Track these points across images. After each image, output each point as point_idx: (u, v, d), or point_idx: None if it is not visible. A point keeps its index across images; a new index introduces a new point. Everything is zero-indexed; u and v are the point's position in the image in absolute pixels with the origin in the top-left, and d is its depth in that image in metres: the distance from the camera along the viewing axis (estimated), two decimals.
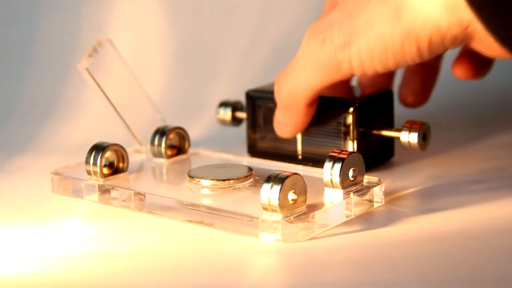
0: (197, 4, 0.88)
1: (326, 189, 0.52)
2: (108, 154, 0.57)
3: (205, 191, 0.55)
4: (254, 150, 0.63)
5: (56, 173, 0.58)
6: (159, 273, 0.45)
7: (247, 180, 0.55)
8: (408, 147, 0.57)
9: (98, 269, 0.46)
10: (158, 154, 0.62)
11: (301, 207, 0.49)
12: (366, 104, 0.58)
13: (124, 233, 0.52)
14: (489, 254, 0.46)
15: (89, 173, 0.57)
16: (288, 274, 0.46)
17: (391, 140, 0.60)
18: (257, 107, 0.62)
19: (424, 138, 0.57)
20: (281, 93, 0.56)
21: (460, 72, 0.60)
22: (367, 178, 0.53)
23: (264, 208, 0.48)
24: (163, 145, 0.61)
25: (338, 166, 0.51)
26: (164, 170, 0.61)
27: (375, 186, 0.53)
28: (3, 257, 0.48)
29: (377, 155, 0.60)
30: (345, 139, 0.58)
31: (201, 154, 0.63)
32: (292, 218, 0.48)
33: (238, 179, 0.55)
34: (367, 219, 0.51)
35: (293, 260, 0.47)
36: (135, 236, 0.51)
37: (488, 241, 0.48)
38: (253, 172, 0.56)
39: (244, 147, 0.64)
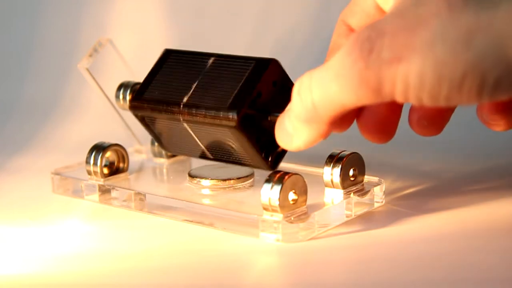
0: (198, 4, 0.88)
1: (327, 189, 0.52)
2: (108, 154, 0.57)
3: (205, 191, 0.55)
4: (167, 151, 0.58)
5: (56, 173, 0.58)
6: (159, 273, 0.45)
7: (247, 180, 0.55)
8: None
9: (98, 269, 0.46)
10: (159, 154, 0.62)
11: (301, 207, 0.49)
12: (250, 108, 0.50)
13: (124, 233, 0.52)
14: (489, 254, 0.46)
15: (89, 173, 0.57)
16: (288, 274, 0.46)
17: None
18: (147, 118, 0.55)
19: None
20: (304, 101, 0.45)
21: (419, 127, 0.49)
22: (367, 178, 0.53)
23: (265, 208, 0.48)
24: None
25: (338, 166, 0.51)
26: (165, 170, 0.61)
27: (375, 186, 0.53)
28: (3, 257, 0.48)
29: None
30: (244, 149, 0.51)
31: None
32: (292, 218, 0.48)
33: (238, 179, 0.55)
34: (367, 219, 0.51)
35: (293, 260, 0.47)
36: (135, 236, 0.51)
37: (488, 241, 0.48)
38: (254, 172, 0.56)
39: None
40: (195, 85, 0.52)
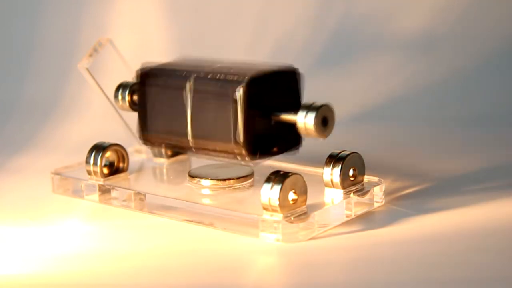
0: (198, 4, 0.88)
1: (327, 189, 0.52)
2: (108, 154, 0.57)
3: (205, 191, 0.55)
4: (145, 136, 0.56)
5: (56, 173, 0.58)
6: (159, 273, 0.45)
7: (247, 180, 0.55)
8: (304, 132, 0.50)
9: (98, 269, 0.46)
10: (159, 154, 0.62)
11: (301, 207, 0.49)
12: (260, 83, 0.51)
13: (124, 233, 0.52)
14: (489, 254, 0.46)
15: (89, 173, 0.57)
16: (288, 274, 0.46)
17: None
18: (150, 86, 0.55)
19: (324, 122, 0.50)
20: None
21: None
22: (367, 178, 0.53)
23: (265, 208, 0.48)
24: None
25: (338, 166, 0.51)
26: (164, 170, 0.61)
27: (375, 186, 0.53)
28: (3, 257, 0.48)
29: (281, 143, 0.53)
30: (234, 123, 0.51)
31: None
32: (292, 218, 0.48)
33: (238, 179, 0.55)
34: (367, 219, 0.51)
35: (293, 260, 0.47)
36: (135, 236, 0.51)
37: (488, 241, 0.48)
38: (254, 172, 0.56)
39: None
40: (210, 68, 0.53)
